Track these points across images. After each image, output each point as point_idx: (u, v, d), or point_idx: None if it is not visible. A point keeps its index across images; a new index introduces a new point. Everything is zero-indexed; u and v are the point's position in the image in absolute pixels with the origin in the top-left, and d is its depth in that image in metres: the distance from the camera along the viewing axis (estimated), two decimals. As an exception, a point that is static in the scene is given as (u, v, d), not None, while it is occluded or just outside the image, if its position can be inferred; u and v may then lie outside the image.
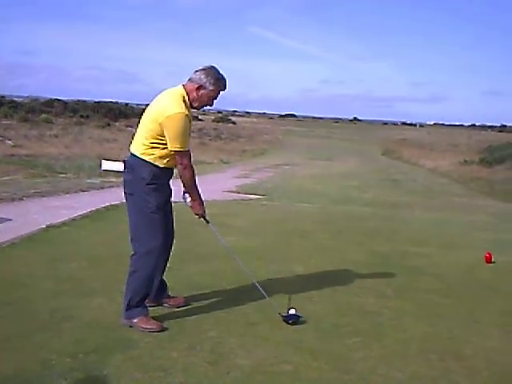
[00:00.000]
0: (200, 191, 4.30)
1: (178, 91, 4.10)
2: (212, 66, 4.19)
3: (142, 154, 4.07)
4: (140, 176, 4.07)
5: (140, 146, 4.09)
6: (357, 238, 7.94)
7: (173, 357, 3.65)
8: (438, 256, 7.04)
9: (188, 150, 4.10)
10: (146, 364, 3.52)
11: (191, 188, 4.23)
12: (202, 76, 4.11)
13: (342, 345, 3.99)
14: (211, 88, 4.13)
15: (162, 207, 4.17)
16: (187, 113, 4.01)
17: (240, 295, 4.98)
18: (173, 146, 3.99)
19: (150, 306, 4.37)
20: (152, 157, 4.06)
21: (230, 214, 9.58)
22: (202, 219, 4.41)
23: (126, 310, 4.13)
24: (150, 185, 4.08)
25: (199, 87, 4.11)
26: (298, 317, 4.35)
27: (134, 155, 4.11)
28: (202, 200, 4.33)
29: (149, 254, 4.13)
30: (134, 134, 4.24)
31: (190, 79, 4.16)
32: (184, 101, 4.04)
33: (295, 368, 3.57)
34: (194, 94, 4.12)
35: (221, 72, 4.19)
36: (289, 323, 4.29)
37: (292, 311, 4.37)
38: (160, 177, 4.13)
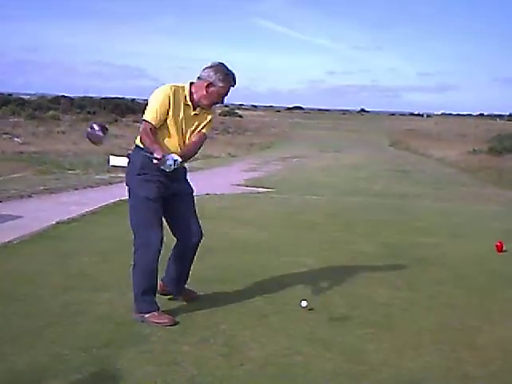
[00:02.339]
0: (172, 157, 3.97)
1: (180, 83, 4.14)
2: (220, 63, 4.16)
3: (138, 141, 4.12)
4: (132, 165, 4.12)
5: (137, 134, 4.14)
6: (366, 230, 7.93)
7: (185, 350, 3.65)
8: (448, 246, 7.02)
9: (152, 124, 4.00)
10: (158, 358, 3.53)
11: (150, 146, 3.95)
12: (211, 73, 4.09)
13: (354, 336, 3.99)
14: (221, 85, 4.10)
15: (156, 200, 4.10)
16: (171, 92, 4.02)
17: (251, 288, 4.99)
18: (144, 115, 4.03)
19: (163, 294, 4.46)
20: (139, 141, 4.09)
21: (238, 207, 9.58)
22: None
23: (135, 303, 4.17)
24: (140, 175, 4.07)
25: (209, 85, 4.09)
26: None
27: (135, 145, 4.16)
28: (169, 154, 3.97)
29: (143, 247, 4.12)
30: None
31: (199, 77, 4.15)
32: (181, 89, 4.09)
33: (307, 359, 3.58)
34: (204, 92, 4.10)
35: (229, 68, 4.17)
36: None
37: (304, 303, 4.37)
38: (151, 167, 4.00)
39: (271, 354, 3.63)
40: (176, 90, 4.07)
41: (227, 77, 4.13)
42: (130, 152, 4.23)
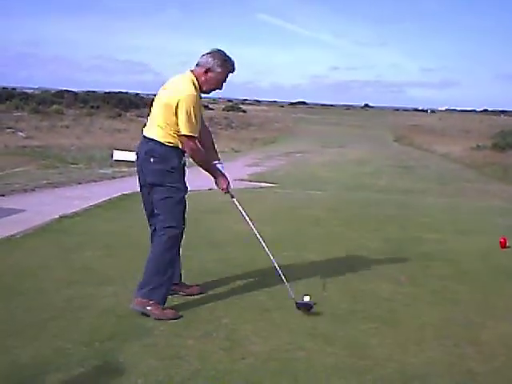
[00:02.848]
0: (222, 166, 4.36)
1: (188, 76, 4.13)
2: (218, 50, 4.20)
3: (169, 141, 4.10)
4: (170, 165, 4.11)
5: (164, 133, 4.09)
6: (370, 225, 7.92)
7: (188, 344, 3.65)
8: (452, 242, 7.00)
9: (197, 136, 4.11)
10: (161, 351, 3.53)
11: (208, 167, 4.27)
12: (209, 59, 4.13)
13: (357, 331, 3.99)
14: (219, 70, 4.14)
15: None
16: (198, 97, 4.08)
17: (253, 282, 4.98)
18: (184, 129, 4.00)
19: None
20: (173, 143, 4.11)
21: (242, 202, 9.51)
22: (228, 194, 4.45)
23: (150, 290, 4.10)
24: (179, 171, 4.17)
25: (207, 70, 4.12)
26: (311, 305, 4.30)
27: (160, 142, 4.10)
28: (225, 175, 4.38)
29: (179, 237, 4.20)
30: (150, 115, 4.24)
31: (197, 64, 4.18)
32: (194, 84, 4.08)
33: (310, 354, 3.57)
34: (203, 78, 4.13)
35: (228, 54, 4.21)
36: (299, 308, 4.26)
37: (306, 298, 4.36)
38: (180, 165, 4.21)
39: (273, 349, 3.63)
40: (197, 92, 4.10)
41: (225, 63, 4.17)
42: (149, 146, 4.14)
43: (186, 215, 4.24)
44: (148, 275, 4.15)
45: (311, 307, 4.28)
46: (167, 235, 4.16)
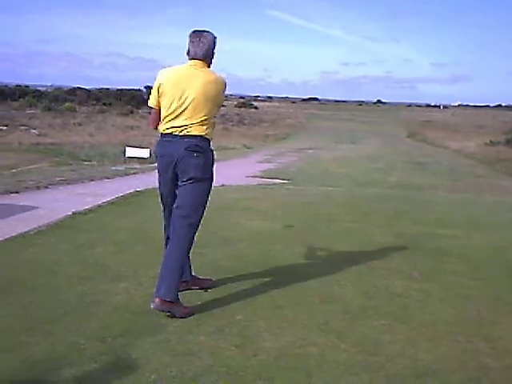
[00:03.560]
0: None
1: (203, 63, 4.20)
2: (199, 32, 4.23)
3: (206, 134, 4.16)
4: (211, 159, 4.20)
5: (205, 126, 4.14)
6: (382, 221, 7.89)
7: (200, 340, 3.66)
8: (465, 237, 6.96)
9: None
10: (174, 348, 3.54)
11: None
12: (212, 45, 4.23)
13: (369, 327, 3.98)
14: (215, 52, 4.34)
15: None
16: None
17: (266, 278, 4.98)
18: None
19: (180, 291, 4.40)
20: (210, 135, 4.20)
21: (254, 198, 9.57)
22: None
23: (172, 291, 4.04)
24: (213, 165, 4.25)
25: (211, 57, 4.27)
26: None
27: (201, 136, 4.12)
28: None
29: (196, 230, 4.23)
30: (179, 115, 4.12)
31: (199, 54, 4.19)
32: None
33: (322, 350, 3.57)
34: (209, 63, 4.28)
35: (203, 29, 4.29)
36: None
37: None
38: None
39: (286, 345, 3.63)
40: None
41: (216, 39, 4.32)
42: (189, 140, 4.10)
43: None
44: (175, 277, 4.08)
45: None
46: (191, 233, 4.18)
